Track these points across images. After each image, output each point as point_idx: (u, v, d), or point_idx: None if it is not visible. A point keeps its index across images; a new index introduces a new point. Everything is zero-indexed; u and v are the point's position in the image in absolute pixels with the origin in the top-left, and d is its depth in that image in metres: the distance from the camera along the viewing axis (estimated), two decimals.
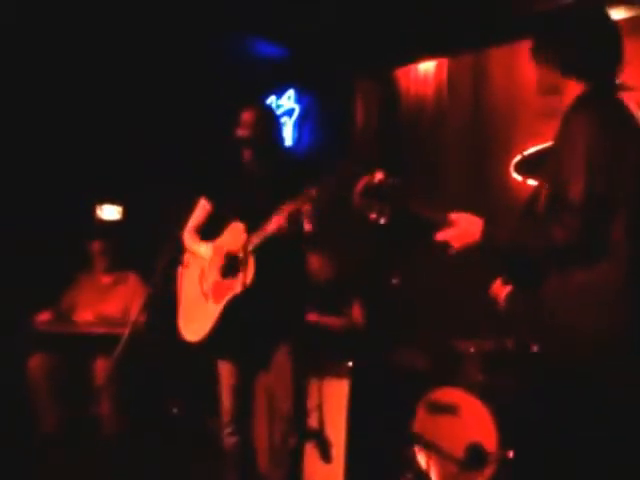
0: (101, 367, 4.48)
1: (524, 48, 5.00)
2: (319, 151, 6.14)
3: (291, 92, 6.35)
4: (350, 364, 4.13)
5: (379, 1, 5.09)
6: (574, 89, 2.35)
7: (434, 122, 5.56)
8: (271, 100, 6.39)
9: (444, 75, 5.52)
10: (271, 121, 3.57)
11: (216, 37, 5.54)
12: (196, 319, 3.38)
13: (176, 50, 5.46)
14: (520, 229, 2.34)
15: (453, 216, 2.40)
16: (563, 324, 2.22)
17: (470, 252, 2.37)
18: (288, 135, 6.34)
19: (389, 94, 5.82)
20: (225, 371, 3.40)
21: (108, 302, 4.90)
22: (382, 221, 2.52)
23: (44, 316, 4.73)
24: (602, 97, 2.33)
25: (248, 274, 3.19)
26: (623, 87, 2.41)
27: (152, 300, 3.39)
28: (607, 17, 2.47)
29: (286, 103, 6.36)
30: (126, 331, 3.11)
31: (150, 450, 4.36)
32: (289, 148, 6.30)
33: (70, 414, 4.60)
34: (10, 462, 4.26)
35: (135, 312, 4.64)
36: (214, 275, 3.38)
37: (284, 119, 6.34)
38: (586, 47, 2.38)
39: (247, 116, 3.43)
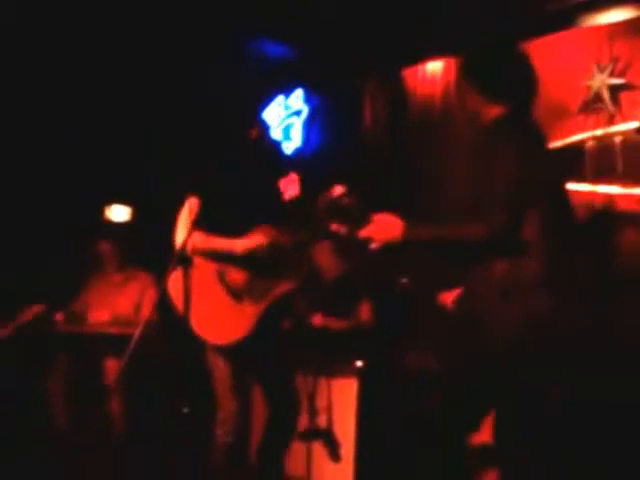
0: (112, 367, 4.51)
1: (532, 48, 5.06)
2: (327, 151, 6.15)
3: (300, 92, 6.37)
4: (359, 364, 4.14)
5: (387, 1, 5.11)
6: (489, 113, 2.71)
7: (442, 122, 5.57)
8: (280, 100, 6.41)
9: (452, 75, 5.52)
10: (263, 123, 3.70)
11: (225, 38, 5.55)
12: (226, 319, 3.36)
13: (185, 50, 5.48)
14: (442, 225, 2.62)
15: (375, 216, 2.68)
16: (488, 317, 2.47)
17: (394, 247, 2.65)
18: (297, 135, 6.36)
19: (397, 94, 5.83)
20: (226, 371, 3.41)
21: (119, 300, 4.92)
22: (342, 233, 2.79)
23: (57, 316, 4.77)
24: (518, 120, 2.65)
25: (298, 272, 3.32)
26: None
27: (163, 300, 3.41)
28: (522, 53, 2.82)
29: (295, 103, 6.38)
30: (137, 331, 3.12)
31: (160, 449, 4.39)
32: (298, 149, 6.33)
33: (81, 413, 4.63)
34: (21, 459, 4.30)
35: (146, 311, 4.70)
36: (244, 274, 3.39)
37: (293, 119, 6.36)
38: (504, 78, 2.70)
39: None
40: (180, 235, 3.41)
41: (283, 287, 3.37)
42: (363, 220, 2.70)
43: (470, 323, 2.55)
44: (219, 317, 3.37)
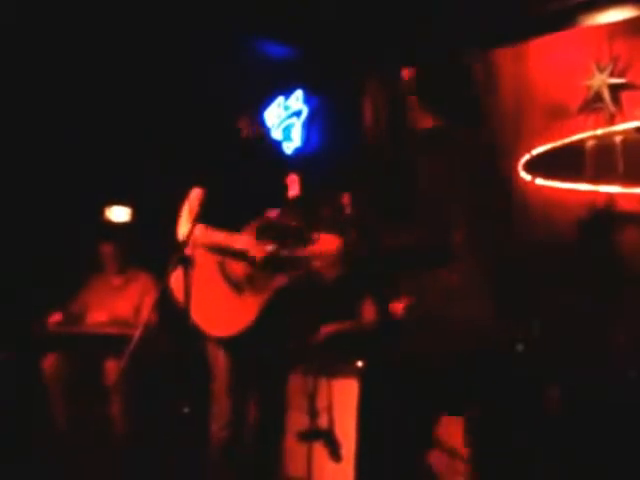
0: (112, 367, 4.51)
1: (531, 48, 5.07)
2: (327, 151, 6.15)
3: (299, 93, 6.36)
4: (359, 364, 4.14)
5: (387, 1, 5.11)
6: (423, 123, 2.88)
7: None
8: (279, 101, 6.41)
9: None
10: (263, 123, 3.72)
11: (224, 38, 5.55)
12: (228, 311, 3.37)
13: (185, 50, 5.48)
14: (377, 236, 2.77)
15: (315, 235, 2.85)
16: (438, 318, 2.58)
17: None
18: (297, 136, 6.36)
19: (397, 94, 5.81)
20: (226, 365, 3.42)
21: (119, 302, 4.92)
22: (279, 253, 3.09)
23: (55, 317, 4.77)
24: (450, 133, 2.76)
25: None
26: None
27: (163, 300, 3.41)
28: (465, 68, 2.93)
29: (294, 104, 6.37)
30: (137, 332, 3.13)
31: (160, 449, 4.38)
32: (298, 149, 6.33)
33: (81, 414, 4.63)
34: (22, 461, 4.30)
35: (146, 312, 4.69)
36: (245, 267, 3.40)
37: (293, 120, 6.36)
38: (441, 91, 2.85)
39: (245, 120, 3.55)
40: (183, 226, 3.43)
41: (282, 280, 3.37)
42: (302, 240, 2.87)
43: (421, 329, 2.65)
44: (220, 309, 3.38)
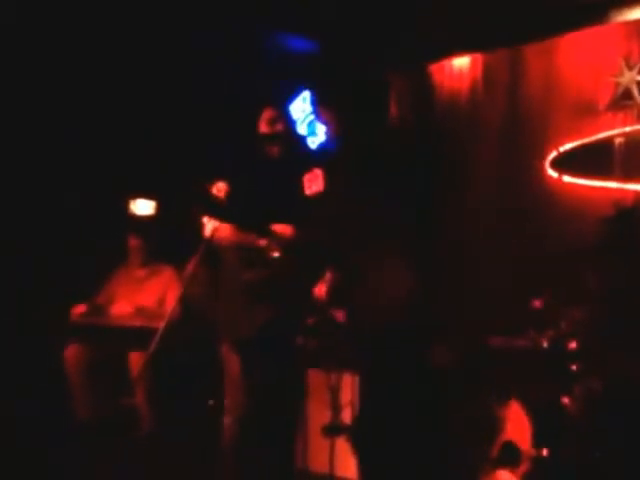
0: (136, 360, 4.53)
1: (560, 44, 5.03)
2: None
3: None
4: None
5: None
6: None
7: (468, 118, 5.52)
8: (305, 96, 6.39)
9: (479, 71, 5.47)
10: (290, 117, 3.72)
11: (248, 33, 5.55)
12: (241, 314, 3.38)
13: (207, 46, 5.48)
14: None
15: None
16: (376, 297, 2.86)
17: None
18: (321, 131, 6.33)
19: (423, 90, 5.79)
20: (237, 363, 3.42)
21: (143, 294, 4.96)
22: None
23: (80, 308, 4.81)
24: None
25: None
26: None
27: (187, 293, 3.42)
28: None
29: None
30: (161, 324, 3.14)
31: (184, 442, 4.40)
32: (323, 143, 6.31)
33: (105, 405, 4.66)
34: (45, 450, 4.33)
35: (170, 305, 4.71)
36: (260, 272, 3.40)
37: None
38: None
39: (269, 114, 3.54)
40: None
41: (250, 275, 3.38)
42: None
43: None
44: (235, 311, 3.38)
